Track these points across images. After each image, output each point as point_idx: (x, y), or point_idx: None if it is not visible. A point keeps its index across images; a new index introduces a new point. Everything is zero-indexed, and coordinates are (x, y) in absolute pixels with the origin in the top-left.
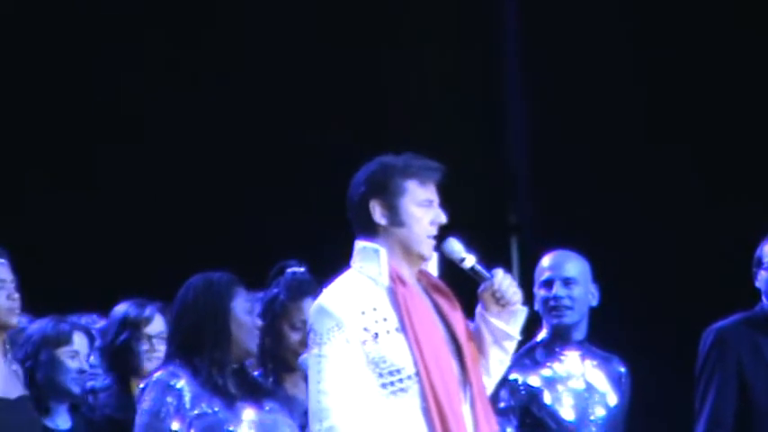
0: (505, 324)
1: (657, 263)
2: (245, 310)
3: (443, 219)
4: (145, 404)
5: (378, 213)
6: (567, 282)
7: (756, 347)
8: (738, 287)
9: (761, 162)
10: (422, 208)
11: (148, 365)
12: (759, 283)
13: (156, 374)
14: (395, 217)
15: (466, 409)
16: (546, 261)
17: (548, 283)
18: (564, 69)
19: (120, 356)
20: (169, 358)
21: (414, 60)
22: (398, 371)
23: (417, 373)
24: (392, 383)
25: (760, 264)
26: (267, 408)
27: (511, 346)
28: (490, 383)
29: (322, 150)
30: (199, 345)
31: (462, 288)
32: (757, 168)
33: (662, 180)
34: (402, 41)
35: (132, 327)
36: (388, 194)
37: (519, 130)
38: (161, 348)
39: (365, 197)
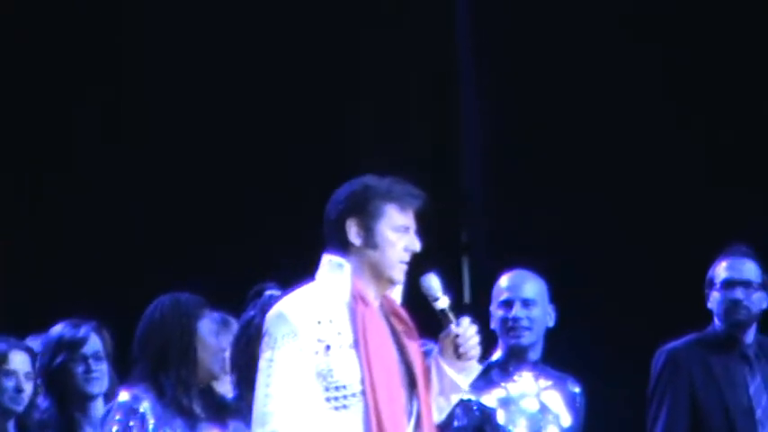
0: (456, 374)
1: (610, 284)
2: (211, 332)
3: (418, 246)
4: (109, 427)
5: (353, 233)
6: (526, 303)
7: (708, 368)
8: (691, 308)
9: (711, 184)
10: (397, 233)
11: (86, 387)
12: (711, 304)
13: (121, 397)
14: (370, 239)
15: None
16: (505, 281)
17: (507, 304)
18: (518, 89)
19: (57, 378)
20: (135, 378)
21: (366, 78)
22: (345, 386)
23: (363, 392)
24: (336, 398)
25: (711, 285)
26: (231, 428)
27: (456, 398)
28: None
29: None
30: (165, 363)
31: (424, 319)
32: (707, 190)
33: (614, 202)
34: (358, 60)
35: (68, 348)
36: (366, 216)
37: (472, 149)
38: (98, 368)
39: (343, 215)
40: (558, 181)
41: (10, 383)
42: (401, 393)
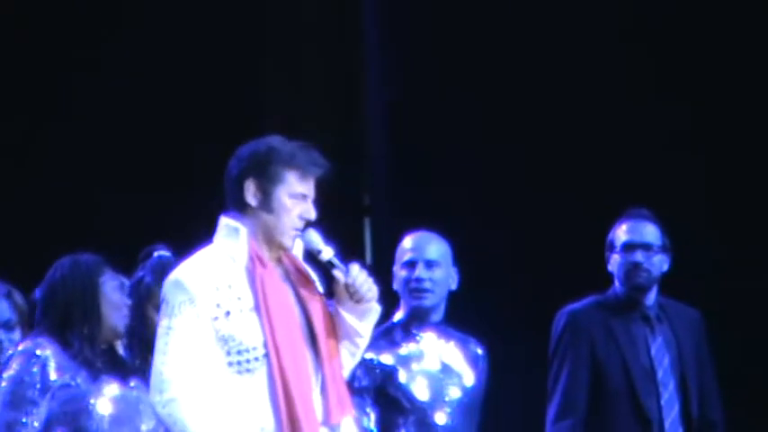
0: (357, 320)
1: (512, 245)
2: (113, 288)
3: (313, 215)
4: (8, 372)
5: (250, 194)
6: (429, 264)
7: (608, 330)
8: (592, 270)
9: (609, 146)
10: (294, 200)
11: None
12: (611, 267)
13: (22, 345)
14: (266, 202)
15: (316, 395)
16: (408, 242)
17: (410, 264)
18: (426, 47)
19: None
20: (37, 334)
21: (272, 34)
22: (247, 350)
23: (267, 355)
24: (239, 363)
25: (612, 248)
26: (132, 384)
27: (362, 342)
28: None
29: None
30: (69, 321)
31: (327, 273)
32: (611, 150)
33: (516, 163)
34: (265, 15)
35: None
36: (266, 179)
37: (374, 108)
38: (10, 338)
39: (242, 174)
40: (461, 141)
41: None
42: (305, 353)
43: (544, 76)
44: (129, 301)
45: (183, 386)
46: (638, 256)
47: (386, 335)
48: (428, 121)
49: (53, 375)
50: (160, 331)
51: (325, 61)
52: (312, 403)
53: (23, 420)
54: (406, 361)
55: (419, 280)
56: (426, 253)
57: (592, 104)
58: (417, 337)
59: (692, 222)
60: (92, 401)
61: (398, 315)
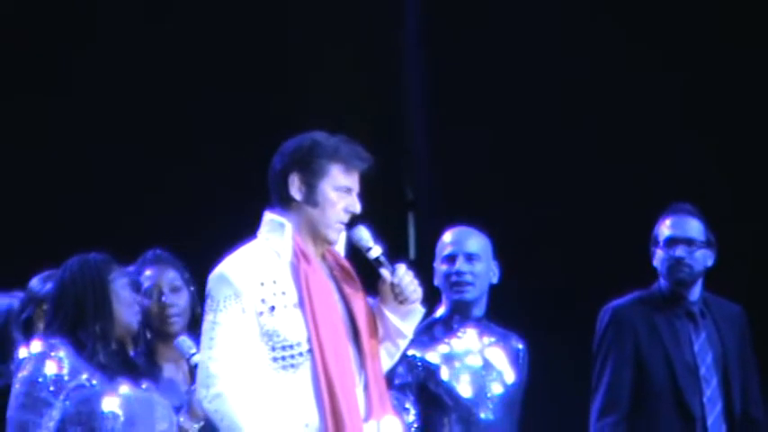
0: (400, 320)
1: (556, 240)
2: (123, 285)
3: (358, 208)
4: (23, 373)
5: (295, 187)
6: (469, 257)
7: (652, 326)
8: (636, 266)
9: (658, 141)
10: (339, 193)
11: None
12: (655, 262)
13: (36, 345)
14: (310, 196)
15: (359, 392)
16: (448, 236)
17: (450, 258)
18: (464, 42)
19: (27, 331)
20: (50, 333)
21: (314, 35)
22: (291, 346)
23: (311, 351)
24: (284, 358)
25: (656, 243)
26: (144, 386)
27: (403, 343)
28: None
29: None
30: (82, 320)
31: (368, 271)
32: (654, 148)
33: (561, 157)
34: (301, 23)
35: (35, 302)
36: (310, 172)
37: (416, 104)
38: None
39: (287, 168)
40: (503, 137)
41: None
42: (348, 349)
43: (584, 73)
44: (139, 298)
45: (229, 381)
46: (681, 251)
47: (427, 331)
48: (471, 116)
49: (67, 376)
50: (205, 326)
51: (367, 56)
52: (356, 399)
53: (37, 421)
54: (448, 358)
55: (459, 273)
56: (466, 246)
57: (637, 99)
58: (459, 333)
59: (734, 216)
60: (105, 402)
61: (440, 311)
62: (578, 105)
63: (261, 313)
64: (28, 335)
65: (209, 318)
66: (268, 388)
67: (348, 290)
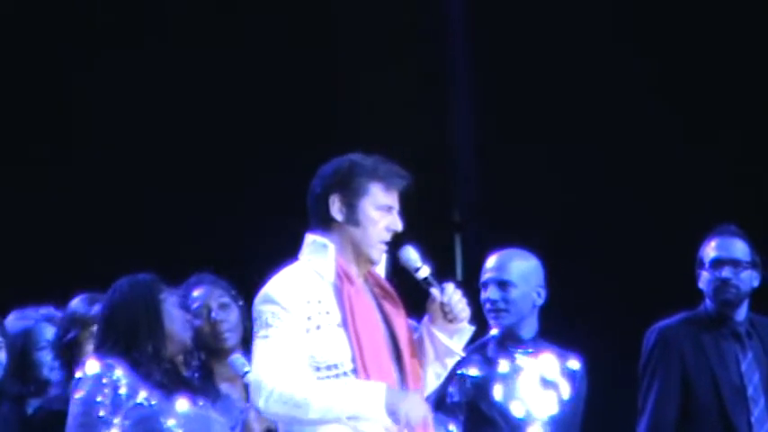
0: (449, 339)
1: (603, 262)
2: (174, 304)
3: (399, 226)
4: (79, 394)
5: (336, 208)
6: (502, 284)
7: (699, 346)
8: (682, 287)
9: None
10: (380, 212)
11: None
12: (701, 284)
13: (92, 366)
14: (352, 215)
15: None
16: (488, 262)
17: (484, 285)
18: (511, 65)
19: (69, 353)
20: (104, 353)
21: (361, 58)
22: (336, 366)
23: (355, 370)
24: (328, 378)
25: (701, 264)
26: (200, 403)
27: (451, 362)
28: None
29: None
30: (135, 339)
31: (408, 292)
32: (699, 173)
33: (608, 181)
34: (349, 41)
35: (80, 324)
36: (350, 192)
37: (464, 127)
38: None
39: (327, 190)
40: (551, 159)
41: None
42: (391, 368)
43: (630, 98)
44: (189, 317)
45: (278, 377)
46: (727, 272)
47: (480, 350)
48: (518, 138)
49: (125, 396)
50: (255, 345)
51: (414, 77)
52: None
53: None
54: (500, 377)
55: (492, 301)
56: (500, 273)
57: (681, 124)
58: (512, 353)
59: None
60: (164, 420)
61: (493, 331)
62: (627, 128)
63: (308, 330)
64: (70, 357)
65: (259, 335)
66: None
67: (390, 310)
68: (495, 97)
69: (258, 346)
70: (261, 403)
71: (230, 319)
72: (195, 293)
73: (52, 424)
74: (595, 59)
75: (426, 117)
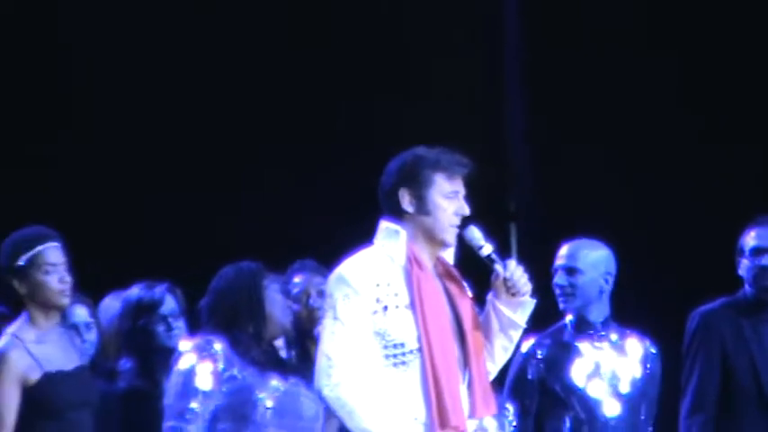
0: (513, 312)
1: (649, 251)
2: (275, 290)
3: (467, 211)
4: (180, 364)
5: (406, 201)
6: (570, 270)
7: (738, 330)
8: (723, 274)
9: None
10: (447, 199)
11: (168, 343)
12: (741, 271)
13: (194, 341)
14: (422, 206)
15: (463, 390)
16: (561, 250)
17: (555, 271)
18: (563, 56)
19: (140, 339)
20: (206, 332)
21: (422, 54)
22: (402, 344)
23: (420, 349)
24: (395, 356)
25: (741, 253)
26: (292, 381)
27: (516, 334)
28: (494, 369)
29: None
30: (237, 321)
31: (474, 276)
32: (743, 174)
33: (657, 170)
34: (411, 35)
35: (147, 310)
36: (417, 185)
37: (517, 124)
38: (177, 325)
39: (396, 185)
40: (602, 152)
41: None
42: (455, 349)
43: (677, 83)
44: (289, 302)
45: (347, 371)
46: (766, 259)
47: (555, 334)
48: (569, 132)
49: (222, 368)
50: (326, 322)
51: (470, 74)
52: (459, 397)
53: (193, 408)
54: (574, 360)
55: (560, 287)
56: (569, 260)
57: (725, 123)
58: (586, 336)
59: None
60: (257, 394)
61: (569, 317)
62: (683, 115)
63: (375, 312)
64: (142, 342)
65: (328, 314)
66: (380, 382)
67: (455, 294)
68: (548, 85)
69: (328, 325)
70: (324, 389)
71: None
72: (296, 279)
73: (139, 400)
74: (643, 55)
75: (483, 111)
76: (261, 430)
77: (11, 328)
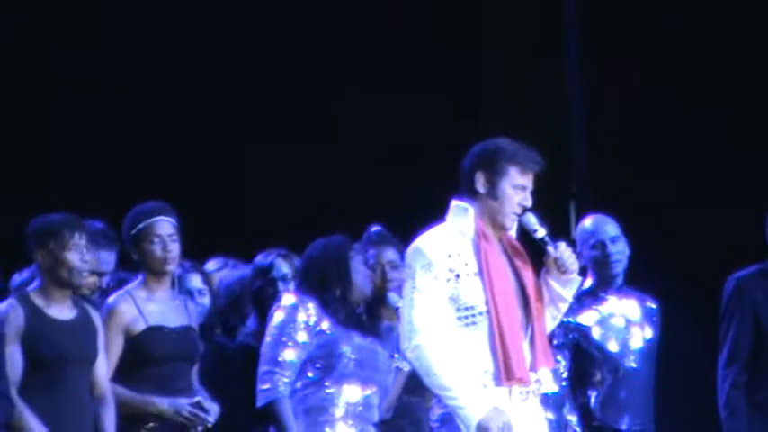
0: (562, 288)
1: (693, 225)
2: (360, 261)
3: (529, 203)
4: (276, 318)
5: (480, 184)
6: (613, 240)
7: None
8: (756, 243)
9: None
10: (515, 190)
11: (272, 304)
12: None
13: (289, 298)
14: (493, 191)
15: (526, 346)
16: (590, 226)
17: (598, 245)
18: (620, 45)
19: (257, 299)
20: (300, 293)
21: (490, 53)
22: (472, 307)
23: (488, 311)
24: (466, 317)
25: None
26: (369, 340)
27: (564, 306)
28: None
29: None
30: (326, 285)
31: (535, 251)
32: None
33: (698, 152)
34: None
35: (262, 274)
36: (493, 172)
37: (579, 117)
38: (283, 288)
39: (474, 167)
40: (645, 144)
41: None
42: (518, 311)
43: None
44: (372, 272)
45: (426, 334)
46: None
47: (578, 300)
48: (621, 125)
49: (313, 322)
50: (406, 290)
51: (536, 71)
52: (522, 351)
53: (286, 356)
54: (597, 320)
55: (610, 254)
56: (609, 232)
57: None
58: (604, 300)
59: None
60: (342, 348)
61: (587, 283)
62: (702, 101)
63: (448, 280)
64: (260, 302)
65: (408, 283)
66: (455, 341)
67: (519, 264)
68: (602, 92)
69: (408, 293)
70: (407, 350)
71: (398, 277)
72: (371, 251)
73: (250, 356)
74: (689, 39)
75: (549, 108)
76: (343, 378)
77: (128, 287)
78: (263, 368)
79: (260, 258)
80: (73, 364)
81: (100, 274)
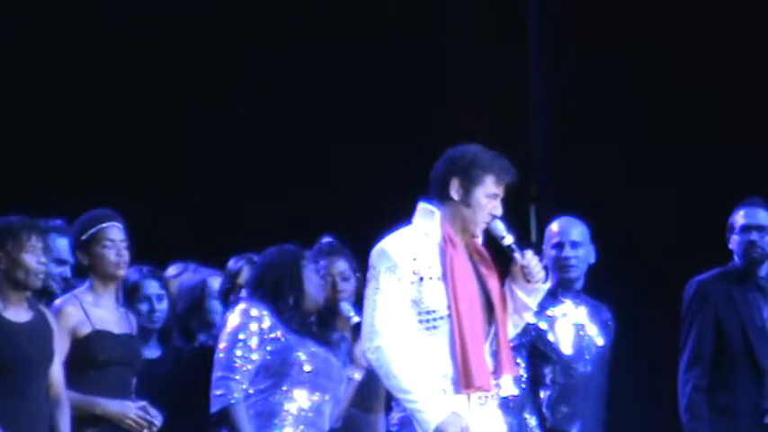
0: (527, 296)
1: (653, 229)
2: (312, 270)
3: (499, 212)
4: (230, 324)
5: (454, 189)
6: (574, 244)
7: (730, 297)
8: (715, 248)
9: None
10: (488, 199)
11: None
12: (732, 245)
13: (241, 305)
14: (466, 198)
15: (488, 352)
16: (555, 226)
17: (559, 245)
18: (582, 44)
19: (225, 303)
20: (254, 300)
21: (457, 50)
22: (434, 311)
23: (449, 316)
24: (427, 321)
25: (732, 229)
26: (323, 349)
27: (527, 315)
28: None
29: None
30: (280, 293)
31: (500, 257)
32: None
33: (661, 159)
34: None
35: (230, 279)
36: (468, 179)
37: (539, 121)
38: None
39: (449, 173)
40: (610, 144)
41: (144, 307)
42: (480, 317)
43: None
44: (323, 282)
45: (388, 337)
46: (754, 235)
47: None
48: (583, 128)
49: (266, 330)
50: (369, 291)
51: (494, 65)
52: (484, 358)
53: (240, 362)
54: (553, 323)
55: (567, 258)
56: (571, 235)
57: (723, 106)
58: (561, 303)
59: None
60: (296, 354)
61: (546, 285)
62: (684, 101)
63: (412, 282)
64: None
65: (371, 285)
66: (416, 345)
67: (484, 271)
68: (565, 95)
69: (372, 294)
70: (368, 351)
71: (348, 288)
72: (322, 262)
73: (209, 360)
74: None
75: (509, 113)
76: (295, 385)
77: (76, 291)
78: (217, 374)
79: (231, 263)
80: (34, 366)
81: (63, 263)
